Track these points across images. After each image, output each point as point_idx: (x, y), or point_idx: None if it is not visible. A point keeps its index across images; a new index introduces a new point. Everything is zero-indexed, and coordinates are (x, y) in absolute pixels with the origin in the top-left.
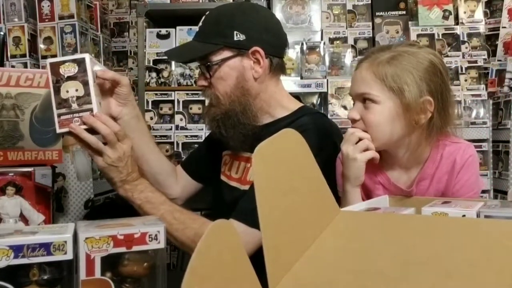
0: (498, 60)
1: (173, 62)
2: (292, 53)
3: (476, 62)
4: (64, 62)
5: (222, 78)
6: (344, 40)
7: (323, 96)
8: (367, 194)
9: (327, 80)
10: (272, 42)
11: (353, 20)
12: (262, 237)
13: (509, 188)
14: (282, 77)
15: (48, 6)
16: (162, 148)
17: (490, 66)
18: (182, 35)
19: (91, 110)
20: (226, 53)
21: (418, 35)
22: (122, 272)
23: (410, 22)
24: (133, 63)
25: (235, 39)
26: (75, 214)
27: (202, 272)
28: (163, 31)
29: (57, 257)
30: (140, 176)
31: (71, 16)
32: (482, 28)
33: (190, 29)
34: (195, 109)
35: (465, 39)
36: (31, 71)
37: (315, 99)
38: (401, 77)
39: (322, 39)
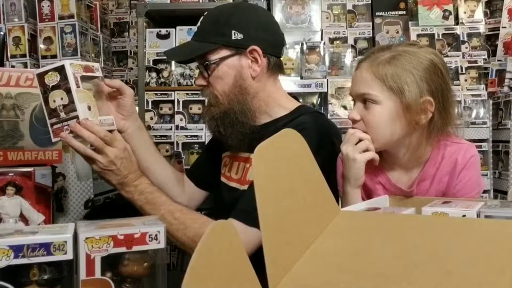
0: (498, 60)
1: (173, 62)
2: (292, 53)
3: (476, 62)
4: (47, 72)
5: (220, 77)
6: (344, 40)
7: (323, 96)
8: (368, 194)
9: (327, 80)
10: (270, 41)
11: (353, 20)
12: (262, 237)
13: (509, 188)
14: (283, 77)
15: (48, 6)
16: (162, 148)
17: (490, 66)
18: (182, 35)
19: (77, 117)
20: (224, 52)
21: (418, 35)
22: (122, 272)
23: (410, 22)
24: (133, 63)
25: (233, 38)
26: (75, 214)
27: (202, 272)
28: (163, 31)
29: (57, 257)
30: (141, 175)
31: (71, 16)
32: (482, 28)
33: (190, 29)
34: (195, 109)
35: (465, 39)
36: (31, 71)
37: (315, 99)
38: (401, 77)
39: (322, 39)
